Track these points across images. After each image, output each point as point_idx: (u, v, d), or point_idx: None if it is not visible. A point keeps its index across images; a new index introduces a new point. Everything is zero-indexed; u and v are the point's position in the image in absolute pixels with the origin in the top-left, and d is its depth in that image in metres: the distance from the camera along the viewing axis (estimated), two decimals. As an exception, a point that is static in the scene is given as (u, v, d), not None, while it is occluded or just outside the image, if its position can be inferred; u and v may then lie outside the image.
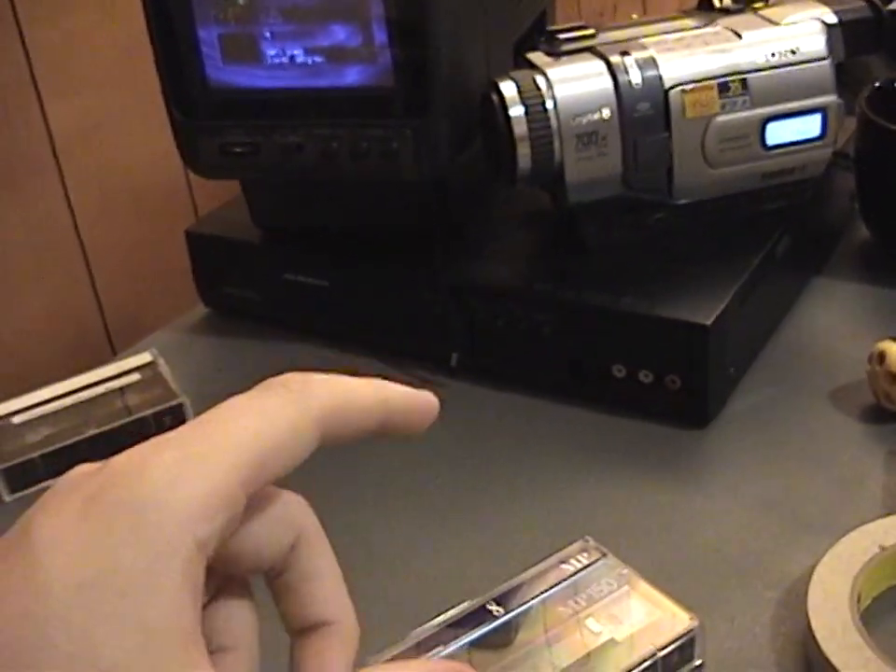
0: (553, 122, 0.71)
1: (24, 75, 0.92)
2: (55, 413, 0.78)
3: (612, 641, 0.53)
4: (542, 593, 0.56)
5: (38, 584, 0.28)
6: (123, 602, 0.28)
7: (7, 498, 0.74)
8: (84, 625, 0.27)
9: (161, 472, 0.30)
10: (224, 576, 0.35)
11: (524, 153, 0.71)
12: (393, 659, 0.52)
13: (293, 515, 0.35)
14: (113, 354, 1.01)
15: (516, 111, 0.71)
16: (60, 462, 0.75)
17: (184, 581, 0.29)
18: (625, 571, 0.57)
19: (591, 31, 0.74)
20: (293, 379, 0.35)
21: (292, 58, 0.74)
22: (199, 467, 0.31)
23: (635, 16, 1.42)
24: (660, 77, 0.72)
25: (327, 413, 0.34)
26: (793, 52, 0.73)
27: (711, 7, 0.79)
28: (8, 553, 0.29)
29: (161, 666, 0.28)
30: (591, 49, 0.73)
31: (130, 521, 0.29)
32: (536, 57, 0.74)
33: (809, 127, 0.74)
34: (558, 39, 0.74)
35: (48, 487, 0.75)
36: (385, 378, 0.37)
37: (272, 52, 0.75)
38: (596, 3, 1.58)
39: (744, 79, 0.72)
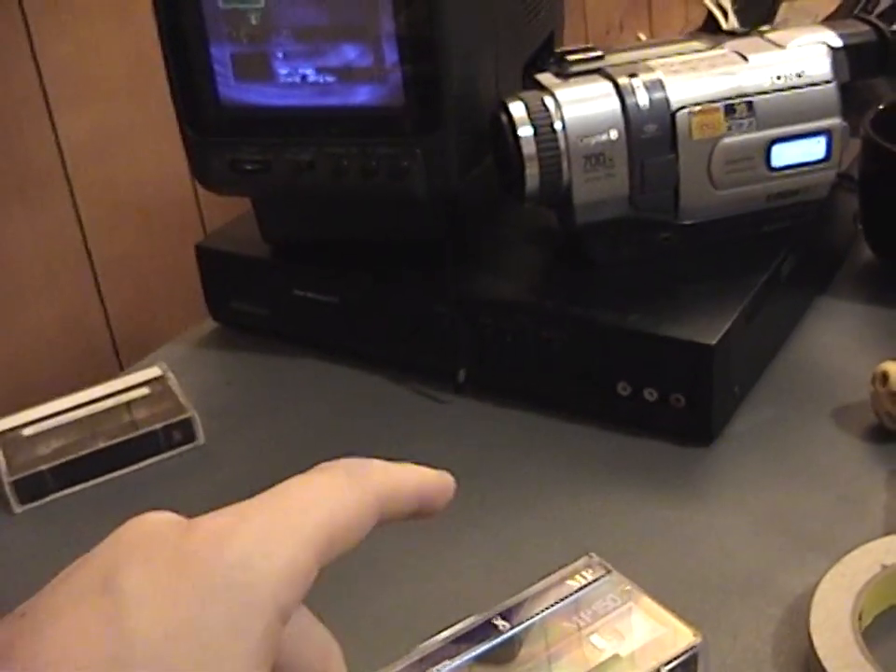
0: (562, 143, 0.72)
1: (35, 87, 0.93)
2: (65, 425, 0.79)
3: (616, 657, 0.54)
4: (546, 609, 0.56)
5: (125, 631, 0.29)
6: (205, 656, 0.29)
7: (18, 510, 0.74)
8: None
9: (252, 537, 0.31)
10: None
11: (532, 173, 0.72)
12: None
13: (331, 652, 0.37)
14: (120, 368, 1.02)
15: (525, 131, 0.72)
16: (69, 475, 0.76)
17: (263, 643, 0.30)
18: (629, 587, 0.57)
19: (599, 52, 0.75)
20: (353, 464, 0.36)
21: (304, 77, 0.75)
22: (285, 537, 0.32)
23: (641, 35, 1.43)
24: (667, 99, 0.72)
25: (383, 499, 0.35)
26: (799, 75, 0.74)
27: (717, 28, 0.80)
28: (93, 597, 0.30)
29: None
30: (599, 71, 0.74)
31: (220, 579, 0.30)
32: (545, 78, 0.75)
33: (814, 149, 0.75)
34: (567, 61, 0.75)
35: (57, 500, 0.76)
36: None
37: (283, 71, 0.75)
38: (603, 21, 1.59)
39: (750, 102, 0.73)
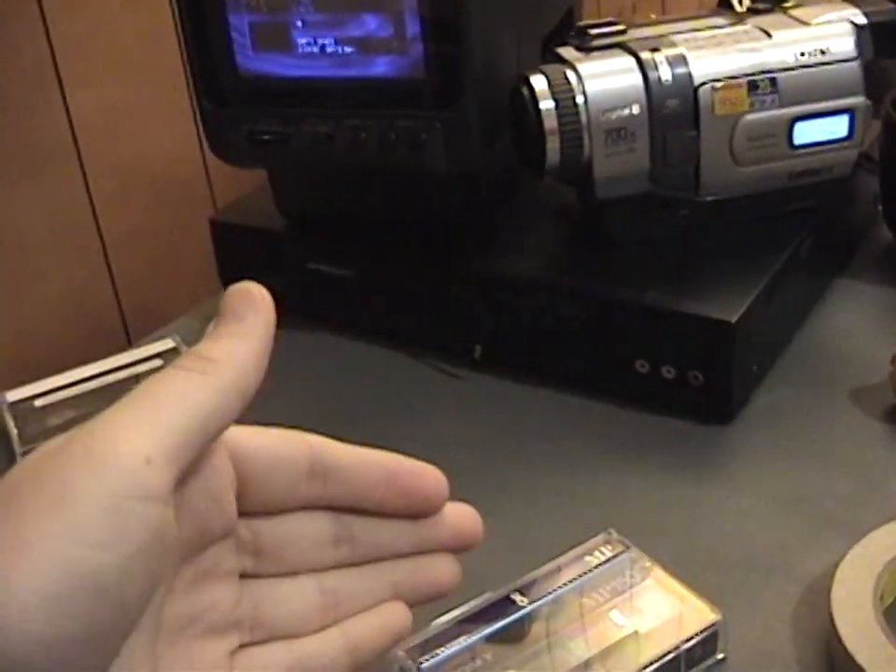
0: (583, 117, 0.71)
1: (47, 62, 0.92)
2: (78, 396, 0.79)
3: (635, 634, 0.54)
4: (566, 584, 0.56)
5: None
6: None
7: (30, 480, 0.74)
8: None
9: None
10: None
11: (553, 147, 0.71)
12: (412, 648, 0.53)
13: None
14: (129, 343, 1.01)
15: (546, 105, 0.71)
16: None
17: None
18: (648, 564, 0.57)
19: (621, 27, 0.75)
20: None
21: (323, 47, 0.75)
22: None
23: (653, 16, 1.42)
24: (690, 75, 0.72)
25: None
26: (823, 52, 0.73)
27: (730, 7, 0.79)
28: None
29: None
30: (621, 46, 0.73)
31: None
32: (566, 52, 0.74)
33: (837, 127, 0.74)
34: (589, 35, 0.74)
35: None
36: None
37: (302, 41, 0.75)
38: (615, 2, 1.58)
39: (773, 78, 0.72)
